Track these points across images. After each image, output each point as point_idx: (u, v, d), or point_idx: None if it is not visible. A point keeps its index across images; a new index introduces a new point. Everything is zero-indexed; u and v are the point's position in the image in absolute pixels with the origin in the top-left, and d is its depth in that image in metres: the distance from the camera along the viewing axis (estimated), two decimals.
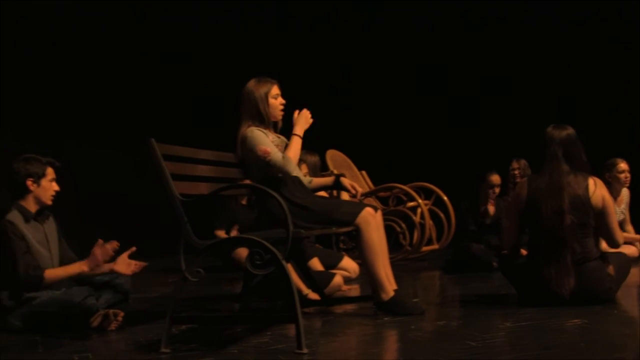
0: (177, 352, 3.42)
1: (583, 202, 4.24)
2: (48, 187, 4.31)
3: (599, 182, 4.35)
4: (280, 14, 10.39)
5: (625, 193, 6.93)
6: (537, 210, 4.28)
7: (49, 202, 4.34)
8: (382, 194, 7.85)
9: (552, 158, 4.33)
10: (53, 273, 4.17)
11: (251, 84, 4.36)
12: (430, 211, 7.70)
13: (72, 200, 6.25)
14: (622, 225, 6.77)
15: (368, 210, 4.15)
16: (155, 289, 6.01)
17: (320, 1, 10.29)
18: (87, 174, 8.05)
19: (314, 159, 6.05)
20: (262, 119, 4.32)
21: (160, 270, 7.25)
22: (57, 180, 4.38)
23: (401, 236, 7.35)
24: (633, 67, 9.13)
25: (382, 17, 10.45)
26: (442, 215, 7.83)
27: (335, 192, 6.58)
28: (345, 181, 4.52)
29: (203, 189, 3.91)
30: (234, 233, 6.97)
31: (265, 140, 4.25)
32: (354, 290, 5.43)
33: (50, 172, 4.34)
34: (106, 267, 4.28)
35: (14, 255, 4.12)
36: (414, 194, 7.47)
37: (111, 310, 4.07)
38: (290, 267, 3.79)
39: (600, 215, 4.30)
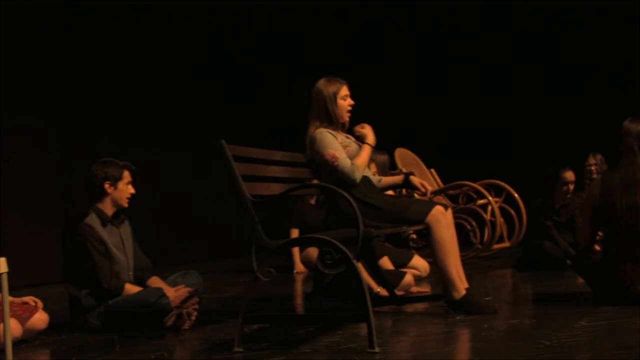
0: (250, 351, 3.45)
1: None
2: (124, 189, 4.42)
3: None
4: (358, 16, 10.39)
5: None
6: (611, 205, 4.19)
7: (126, 205, 4.45)
8: (451, 192, 7.79)
9: (628, 152, 4.23)
10: (131, 288, 4.27)
11: (320, 83, 4.37)
12: (501, 209, 7.61)
13: (144, 202, 6.38)
14: None
15: (438, 208, 4.13)
16: (227, 289, 6.09)
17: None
18: (158, 176, 8.19)
19: (383, 157, 6.04)
20: (331, 120, 4.33)
21: (231, 271, 7.34)
22: (133, 182, 4.48)
23: (471, 234, 7.29)
24: None
25: (447, 20, 10.37)
26: (513, 212, 7.74)
27: (404, 191, 6.55)
28: (415, 179, 4.49)
29: (274, 189, 3.94)
30: (295, 233, 7.00)
31: (334, 144, 4.25)
32: (425, 289, 5.39)
33: (126, 175, 4.44)
34: (161, 285, 4.36)
35: (93, 259, 4.23)
36: (484, 191, 7.39)
37: (185, 310, 4.14)
38: (360, 266, 3.79)
39: None
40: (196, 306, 4.22)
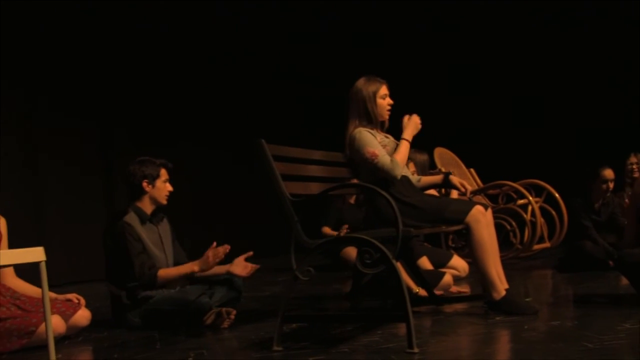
0: (289, 350, 3.46)
1: None
2: (162, 187, 4.47)
3: None
4: (396, 15, 10.37)
5: None
6: None
7: (164, 202, 4.50)
8: (491, 191, 7.74)
9: None
10: (166, 272, 4.33)
11: (360, 82, 4.37)
12: (542, 208, 7.53)
13: (184, 201, 6.43)
14: None
15: (478, 208, 4.10)
16: (266, 288, 6.11)
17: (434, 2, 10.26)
18: (198, 174, 8.26)
19: (422, 157, 6.01)
20: (370, 119, 4.33)
21: (270, 270, 7.37)
22: (171, 180, 4.53)
23: (511, 234, 7.22)
24: None
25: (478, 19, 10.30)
26: (553, 212, 7.65)
27: (444, 191, 6.52)
28: (454, 179, 4.47)
29: (313, 188, 3.95)
30: (342, 232, 7.00)
31: (374, 142, 4.24)
32: (464, 289, 5.35)
33: (163, 173, 4.50)
34: (223, 269, 4.41)
35: (131, 255, 4.29)
36: (524, 191, 7.33)
37: (224, 309, 4.17)
38: (399, 266, 3.78)
39: None
40: (232, 317, 4.21)
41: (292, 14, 9.84)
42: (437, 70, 10.30)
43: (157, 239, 4.47)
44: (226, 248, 4.31)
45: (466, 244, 4.25)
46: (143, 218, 4.43)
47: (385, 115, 4.39)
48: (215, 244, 4.33)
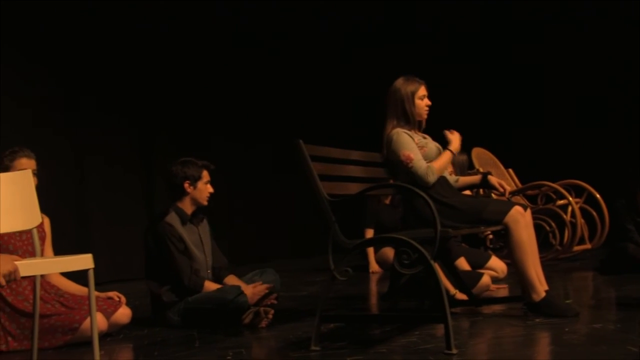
0: (327, 350, 3.47)
1: None
2: (203, 189, 4.52)
3: None
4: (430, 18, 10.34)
5: None
6: None
7: (205, 203, 4.55)
8: (530, 192, 7.65)
9: None
10: (209, 285, 4.37)
11: (399, 82, 4.36)
12: (582, 209, 7.44)
13: (223, 201, 6.47)
14: None
15: (517, 208, 4.06)
16: (304, 287, 6.13)
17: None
18: (237, 174, 8.30)
19: (461, 157, 5.98)
20: (407, 119, 4.32)
21: (308, 269, 7.39)
22: (212, 182, 4.57)
23: (551, 235, 7.14)
24: None
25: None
26: (594, 213, 7.55)
27: (482, 191, 6.48)
28: (493, 179, 4.44)
29: (350, 188, 3.95)
30: (370, 233, 6.99)
31: (410, 145, 4.23)
32: (503, 291, 5.32)
33: (205, 174, 4.54)
34: (239, 283, 4.48)
35: (173, 256, 4.34)
36: (564, 191, 7.24)
37: (262, 308, 4.19)
38: (437, 267, 3.77)
39: None
40: (275, 301, 4.28)
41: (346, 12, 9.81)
42: (475, 70, 10.22)
43: (197, 240, 4.52)
44: (269, 287, 4.39)
45: (505, 245, 4.20)
46: (184, 219, 4.47)
47: (424, 115, 4.37)
48: (267, 287, 4.37)
